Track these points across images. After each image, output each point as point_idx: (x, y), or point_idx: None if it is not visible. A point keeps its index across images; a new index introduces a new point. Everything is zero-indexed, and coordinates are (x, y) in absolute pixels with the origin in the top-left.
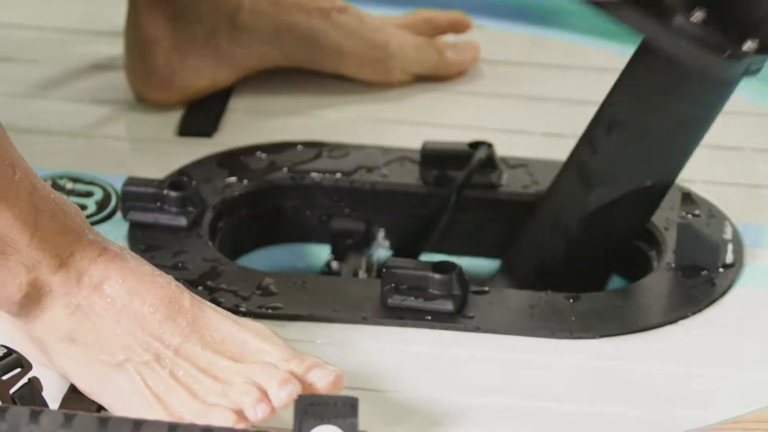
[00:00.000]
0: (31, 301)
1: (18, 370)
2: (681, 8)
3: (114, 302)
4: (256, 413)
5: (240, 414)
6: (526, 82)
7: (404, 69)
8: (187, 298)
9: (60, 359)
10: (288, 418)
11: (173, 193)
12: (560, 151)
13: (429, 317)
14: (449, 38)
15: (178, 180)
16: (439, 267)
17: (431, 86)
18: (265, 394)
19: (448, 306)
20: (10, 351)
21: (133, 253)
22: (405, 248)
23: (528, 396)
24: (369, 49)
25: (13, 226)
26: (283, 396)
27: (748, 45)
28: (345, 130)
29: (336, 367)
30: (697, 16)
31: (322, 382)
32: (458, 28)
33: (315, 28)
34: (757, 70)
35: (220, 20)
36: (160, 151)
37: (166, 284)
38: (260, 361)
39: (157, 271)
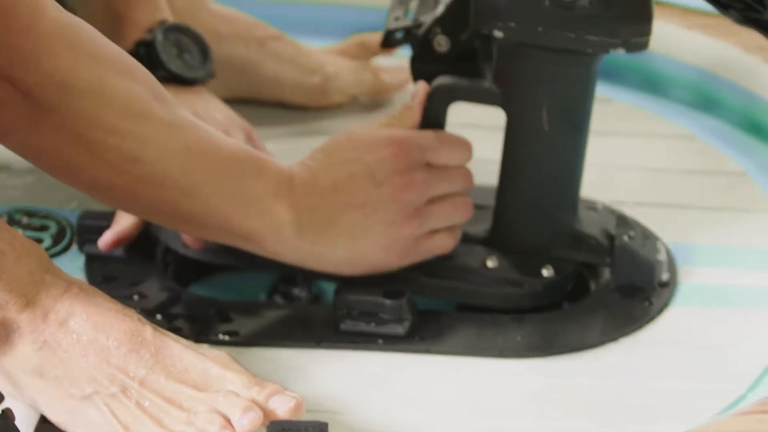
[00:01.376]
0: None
1: None
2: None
3: (80, 337)
4: None
5: None
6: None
7: (341, 90)
8: (149, 330)
9: (30, 392)
10: None
11: None
12: (488, 174)
13: (381, 341)
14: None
15: None
16: (389, 293)
17: (369, 114)
18: (228, 422)
19: (399, 330)
20: None
21: (96, 289)
22: None
23: (480, 414)
24: (305, 75)
25: None
26: (246, 423)
27: (546, 271)
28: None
29: (296, 394)
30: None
31: (282, 408)
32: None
33: (252, 58)
34: None
35: None
36: None
37: (128, 318)
38: (223, 389)
39: (120, 306)
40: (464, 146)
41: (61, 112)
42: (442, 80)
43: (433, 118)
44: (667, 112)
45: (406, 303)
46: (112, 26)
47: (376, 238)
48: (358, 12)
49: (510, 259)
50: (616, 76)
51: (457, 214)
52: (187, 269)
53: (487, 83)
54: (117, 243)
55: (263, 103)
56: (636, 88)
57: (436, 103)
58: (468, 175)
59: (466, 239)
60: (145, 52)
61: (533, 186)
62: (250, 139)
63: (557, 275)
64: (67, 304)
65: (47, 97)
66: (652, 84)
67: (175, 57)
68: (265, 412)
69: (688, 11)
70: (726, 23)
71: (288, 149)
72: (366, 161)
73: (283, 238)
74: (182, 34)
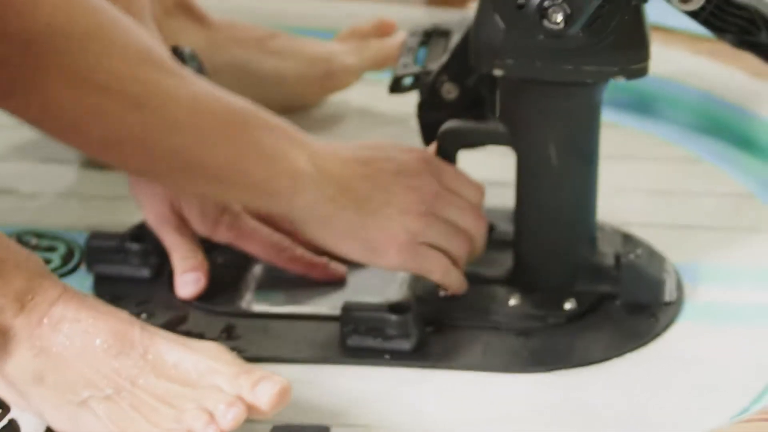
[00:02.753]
0: None
1: None
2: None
3: (72, 342)
4: None
5: None
6: None
7: (346, 69)
8: (137, 330)
9: (34, 401)
10: None
11: (135, 246)
12: (503, 198)
13: (387, 356)
14: None
15: (139, 232)
16: (395, 308)
17: (383, 132)
18: (213, 418)
19: (406, 345)
20: None
21: (89, 294)
22: None
23: (486, 428)
24: (308, 65)
25: None
26: (230, 418)
27: (568, 305)
28: None
29: (283, 378)
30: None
31: (266, 396)
32: (384, 31)
33: (252, 58)
34: None
35: None
36: (116, 207)
37: (117, 319)
38: (209, 384)
39: (112, 308)
40: (477, 186)
41: (63, 62)
42: (450, 124)
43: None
44: (673, 135)
45: (413, 318)
46: None
47: (385, 220)
48: None
49: (532, 296)
50: (623, 102)
51: (455, 242)
52: None
53: (495, 124)
54: (202, 277)
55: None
56: (641, 113)
57: (446, 147)
58: (478, 217)
59: (488, 281)
60: None
61: (549, 222)
62: None
63: (579, 307)
64: (61, 308)
65: (46, 47)
66: (657, 108)
67: None
68: (251, 406)
69: (695, 37)
70: (732, 49)
71: None
72: (392, 154)
73: (300, 188)
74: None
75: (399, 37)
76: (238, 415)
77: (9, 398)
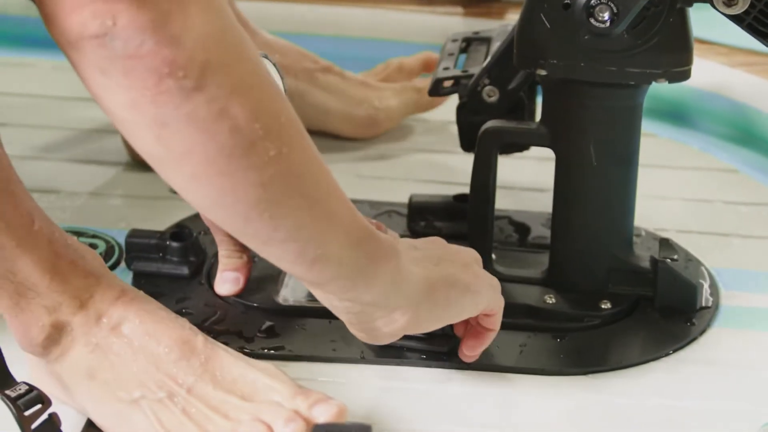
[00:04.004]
0: (52, 342)
1: (39, 406)
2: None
3: (131, 342)
4: None
5: None
6: None
7: (390, 118)
8: (200, 339)
9: (80, 395)
10: None
11: (175, 244)
12: (539, 203)
13: (424, 356)
14: None
15: (179, 231)
16: None
17: (417, 144)
18: (271, 430)
19: (442, 346)
20: (31, 388)
21: (149, 297)
22: None
23: (525, 429)
24: (354, 106)
25: (33, 271)
26: (289, 431)
27: (604, 305)
28: None
29: (339, 401)
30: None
31: (324, 416)
32: (429, 66)
33: (301, 90)
34: None
35: None
36: (156, 207)
37: (180, 326)
38: (268, 400)
39: (173, 315)
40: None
41: None
42: (491, 124)
43: (484, 161)
44: (709, 146)
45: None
46: None
47: (465, 267)
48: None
49: (568, 295)
50: (661, 113)
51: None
52: None
53: (535, 124)
54: (242, 277)
55: (312, 134)
56: (679, 124)
57: (486, 146)
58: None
59: (524, 281)
60: None
61: (586, 223)
62: None
63: (615, 307)
64: (121, 308)
65: None
66: (694, 120)
67: None
68: (308, 421)
69: (732, 50)
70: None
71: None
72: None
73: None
74: None
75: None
76: (297, 429)
77: (52, 392)
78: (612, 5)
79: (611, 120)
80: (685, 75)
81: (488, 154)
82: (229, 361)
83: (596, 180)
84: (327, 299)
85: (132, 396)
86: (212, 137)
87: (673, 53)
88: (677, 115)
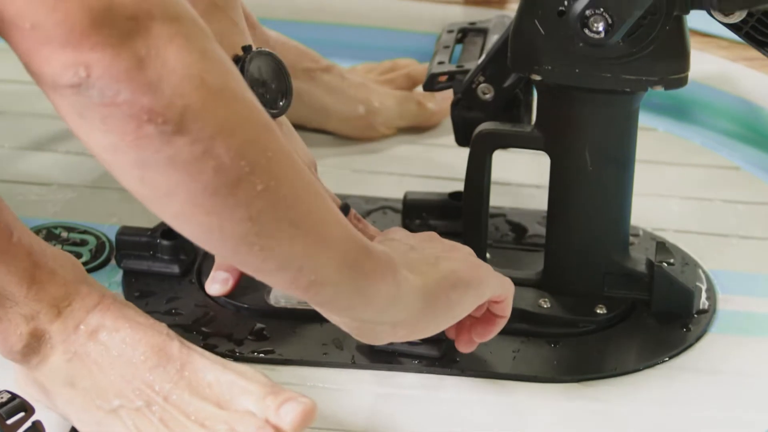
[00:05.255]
0: (31, 350)
1: (22, 414)
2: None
3: (109, 350)
4: None
5: None
6: None
7: (387, 123)
8: (176, 345)
9: (61, 403)
10: None
11: (166, 242)
12: (536, 200)
13: (416, 361)
14: None
15: (170, 229)
16: None
17: (413, 139)
18: None
19: (434, 351)
20: (14, 396)
21: (129, 302)
22: None
23: None
24: (352, 107)
25: (11, 281)
26: None
27: (599, 310)
28: (327, 181)
29: (307, 399)
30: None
31: (292, 414)
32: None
33: (300, 89)
34: None
35: None
36: None
37: (157, 333)
38: (242, 408)
39: (151, 320)
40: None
41: None
42: (485, 126)
43: (477, 164)
44: (711, 143)
45: None
46: None
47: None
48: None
49: (562, 300)
50: (662, 107)
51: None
52: None
53: (529, 128)
54: (231, 279)
55: (309, 130)
56: (680, 118)
57: (480, 149)
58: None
59: (518, 283)
60: None
61: (582, 227)
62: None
63: (610, 312)
64: (98, 316)
65: None
66: (696, 114)
67: (259, 87)
68: (275, 425)
69: (733, 43)
70: None
71: (332, 175)
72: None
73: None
74: (264, 61)
75: (445, 100)
76: None
77: (36, 396)
78: (607, 16)
79: (607, 125)
80: (682, 82)
81: (482, 156)
82: (204, 365)
83: (592, 184)
84: (327, 315)
85: (111, 405)
86: (196, 178)
87: (670, 60)
88: (678, 109)
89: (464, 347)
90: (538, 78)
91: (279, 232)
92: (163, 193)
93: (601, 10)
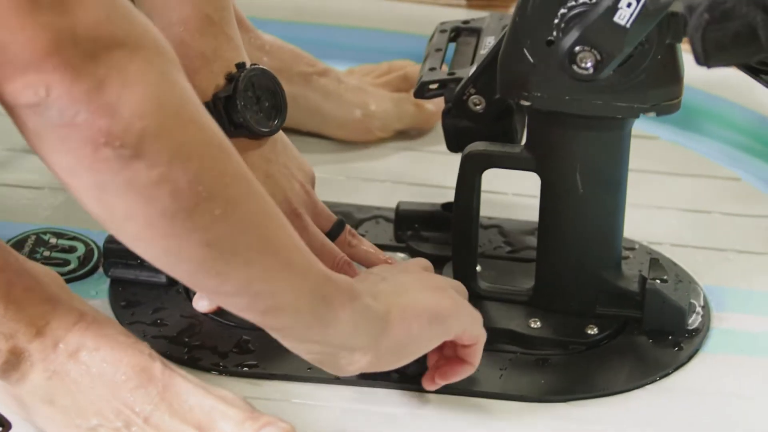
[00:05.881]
0: (11, 366)
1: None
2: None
3: (89, 369)
4: None
5: None
6: None
7: (384, 127)
8: (158, 366)
9: (41, 420)
10: None
11: None
12: (530, 210)
13: (401, 379)
14: None
15: None
16: None
17: (408, 145)
18: None
19: (418, 368)
20: None
21: (111, 318)
22: None
23: None
24: (349, 110)
25: None
26: None
27: (590, 331)
28: (320, 188)
29: (286, 424)
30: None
31: None
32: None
33: (296, 93)
34: None
35: None
36: None
37: (138, 353)
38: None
39: (132, 339)
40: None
41: None
42: (475, 147)
43: (467, 184)
44: (713, 152)
45: None
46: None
47: (435, 292)
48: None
49: (553, 319)
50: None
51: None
52: None
53: (519, 148)
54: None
55: (304, 134)
56: (683, 127)
57: (469, 169)
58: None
59: (510, 300)
60: (224, 102)
61: (572, 248)
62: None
63: (601, 332)
64: (78, 335)
65: None
66: (701, 124)
67: (253, 104)
68: None
69: None
70: None
71: (326, 181)
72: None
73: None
74: (258, 78)
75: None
76: None
77: (15, 410)
78: (595, 53)
79: (598, 149)
80: (674, 108)
81: (471, 177)
82: (186, 388)
83: (583, 206)
84: (286, 342)
85: (89, 424)
86: (153, 202)
87: (662, 88)
88: (681, 117)
89: (427, 384)
90: (527, 104)
91: (237, 257)
92: (121, 216)
93: (590, 47)
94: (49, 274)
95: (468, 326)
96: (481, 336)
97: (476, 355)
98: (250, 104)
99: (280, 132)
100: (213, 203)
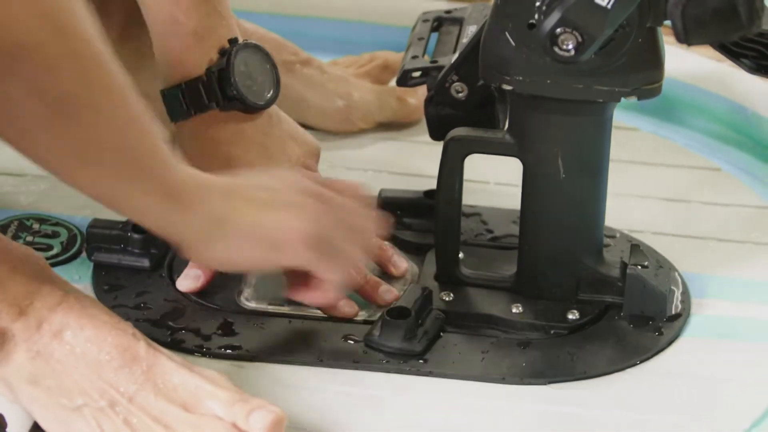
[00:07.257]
0: None
1: None
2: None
3: (73, 349)
4: None
5: None
6: None
7: (365, 118)
8: (142, 346)
9: (25, 400)
10: None
11: (136, 235)
12: (512, 199)
13: (385, 361)
14: None
15: None
16: (394, 313)
17: (390, 135)
18: None
19: (405, 355)
20: None
21: (94, 299)
22: None
23: None
24: (331, 101)
25: None
26: None
27: (571, 315)
28: None
29: (277, 408)
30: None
31: (262, 423)
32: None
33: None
34: None
35: None
36: None
37: (122, 333)
38: (208, 413)
39: (116, 318)
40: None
41: None
42: (457, 132)
43: (450, 170)
44: (693, 143)
45: (413, 324)
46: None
47: (288, 217)
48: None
49: (535, 304)
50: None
51: (355, 246)
52: None
53: (502, 134)
54: (203, 276)
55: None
56: (663, 118)
57: (451, 155)
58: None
59: (490, 286)
60: (217, 76)
61: (554, 233)
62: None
63: (582, 317)
64: (62, 314)
65: None
66: (680, 115)
67: (246, 79)
68: None
69: None
70: None
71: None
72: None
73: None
74: (250, 53)
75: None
76: None
77: (2, 392)
78: (577, 34)
79: (579, 133)
80: (655, 92)
81: (453, 163)
82: (171, 368)
83: (565, 192)
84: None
85: (74, 403)
86: (28, 106)
87: (643, 71)
88: (661, 109)
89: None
90: (509, 88)
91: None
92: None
93: (571, 28)
94: (32, 256)
95: (307, 265)
96: (329, 278)
97: (325, 289)
98: (243, 78)
99: (275, 107)
100: (83, 110)
